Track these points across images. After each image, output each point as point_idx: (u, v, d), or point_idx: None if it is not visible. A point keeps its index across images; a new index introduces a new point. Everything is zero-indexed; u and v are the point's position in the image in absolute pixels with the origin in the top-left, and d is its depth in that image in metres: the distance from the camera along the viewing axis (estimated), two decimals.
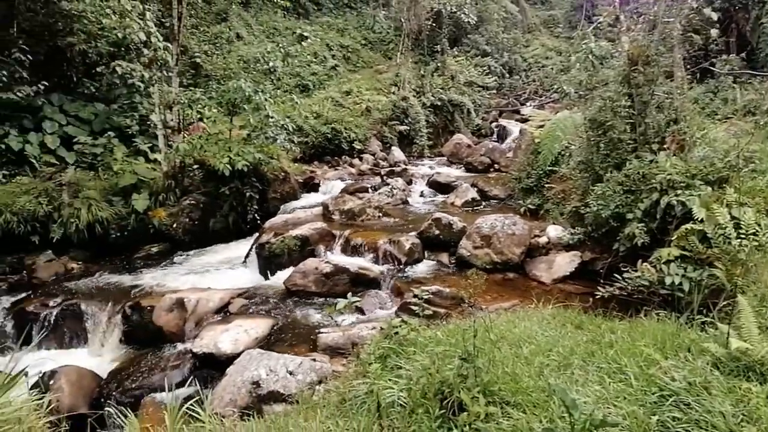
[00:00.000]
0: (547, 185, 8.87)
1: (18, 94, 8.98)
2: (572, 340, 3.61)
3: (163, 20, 11.88)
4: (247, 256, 8.06)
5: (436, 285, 6.17)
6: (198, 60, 14.99)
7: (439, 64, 19.18)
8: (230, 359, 4.82)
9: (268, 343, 5.40)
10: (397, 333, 3.70)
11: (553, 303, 4.78)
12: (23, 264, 7.76)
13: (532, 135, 9.88)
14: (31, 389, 3.06)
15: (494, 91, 21.26)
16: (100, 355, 6.05)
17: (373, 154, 14.80)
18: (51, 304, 6.52)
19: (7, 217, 7.71)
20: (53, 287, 7.20)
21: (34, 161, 8.80)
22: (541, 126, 10.14)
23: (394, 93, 17.15)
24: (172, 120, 9.30)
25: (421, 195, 11.31)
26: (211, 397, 3.99)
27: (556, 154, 8.98)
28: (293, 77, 17.16)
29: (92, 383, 5.22)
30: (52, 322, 6.29)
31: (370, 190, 10.61)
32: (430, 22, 19.36)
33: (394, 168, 13.21)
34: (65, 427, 3.48)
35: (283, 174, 10.18)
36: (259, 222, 9.08)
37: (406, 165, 13.96)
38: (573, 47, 23.90)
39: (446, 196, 10.83)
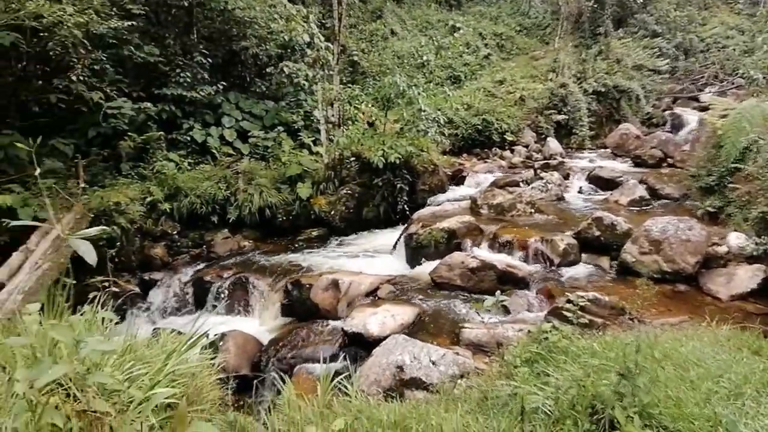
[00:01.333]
0: (729, 185, 7.59)
1: (200, 93, 10.27)
2: (747, 366, 3.15)
3: (323, 21, 12.70)
4: (395, 244, 8.28)
5: (593, 291, 5.65)
6: (355, 58, 15.77)
7: (602, 47, 17.58)
8: (376, 341, 5.02)
9: (412, 330, 5.46)
10: (546, 338, 3.49)
11: (729, 323, 4.22)
12: (204, 240, 8.92)
13: (714, 126, 8.46)
14: (203, 349, 3.44)
15: (667, 76, 18.79)
16: (262, 323, 6.70)
17: (526, 146, 14.12)
18: (224, 275, 7.38)
19: (192, 199, 8.92)
20: (227, 261, 8.17)
21: (215, 152, 10.08)
22: (724, 115, 8.64)
23: (551, 80, 16.14)
24: (332, 115, 9.92)
25: (580, 191, 10.48)
26: (357, 375, 4.19)
27: (742, 149, 7.61)
28: (445, 69, 17.14)
29: (254, 348, 5.78)
30: (224, 291, 7.12)
31: (521, 184, 10.12)
32: (591, 3, 17.78)
33: (549, 161, 12.41)
34: (232, 385, 3.93)
35: (432, 166, 10.25)
36: (408, 213, 9.28)
37: (562, 157, 13.03)
38: (757, 25, 20.07)
39: (609, 193, 9.88)
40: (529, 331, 4.04)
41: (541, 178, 10.23)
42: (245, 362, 5.55)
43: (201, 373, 3.26)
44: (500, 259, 6.81)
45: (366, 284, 6.56)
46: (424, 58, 10.91)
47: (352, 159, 9.71)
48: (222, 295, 7.12)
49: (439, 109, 10.02)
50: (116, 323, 3.29)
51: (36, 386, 1.75)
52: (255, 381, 5.13)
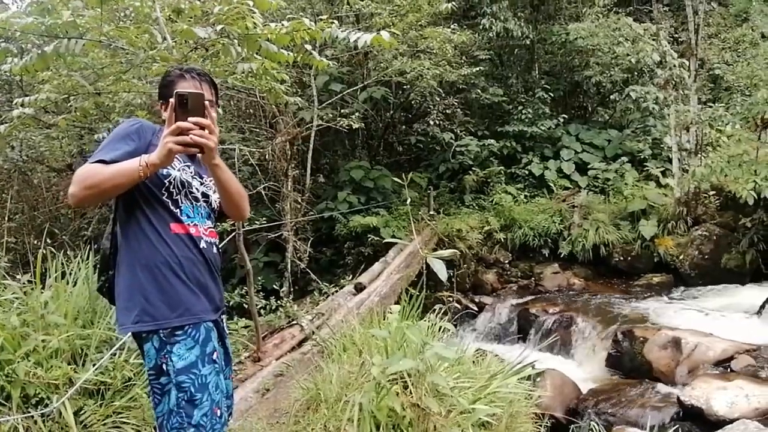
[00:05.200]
0: None
1: (541, 127, 10.49)
2: None
3: (676, 36, 11.25)
4: (763, 305, 6.51)
5: None
6: (717, 71, 13.34)
7: None
8: (720, 423, 4.20)
9: None
10: None
11: None
12: (533, 272, 9.03)
13: None
14: (521, 379, 3.47)
15: None
16: (582, 369, 6.27)
17: None
18: (550, 311, 7.24)
19: (526, 231, 9.18)
20: (555, 296, 8.02)
21: (551, 184, 10.15)
22: None
23: None
24: (687, 141, 8.65)
25: None
26: None
27: None
28: None
29: (572, 393, 5.44)
30: (548, 327, 6.98)
31: None
32: None
33: None
34: (546, 423, 3.82)
35: None
36: None
37: None
38: None
39: None
40: None
41: None
42: (559, 404, 5.29)
43: (518, 402, 3.30)
44: None
45: (716, 350, 5.41)
46: None
47: (712, 193, 8.20)
48: (545, 331, 6.99)
49: None
50: (450, 334, 3.69)
51: (386, 373, 2.10)
52: (572, 426, 4.86)
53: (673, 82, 8.44)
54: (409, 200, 2.92)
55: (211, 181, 1.88)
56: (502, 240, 9.23)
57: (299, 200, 8.13)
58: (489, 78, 11.17)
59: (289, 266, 7.57)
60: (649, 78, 9.16)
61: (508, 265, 9.36)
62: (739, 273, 7.73)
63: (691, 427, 4.46)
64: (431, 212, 9.31)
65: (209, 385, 1.72)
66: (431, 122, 9.72)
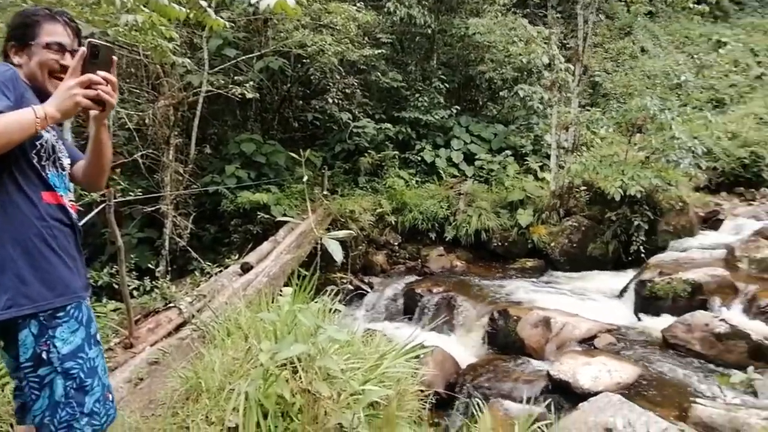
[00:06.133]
0: None
1: (435, 116, 10.83)
2: None
3: (565, 42, 12.18)
4: (623, 290, 7.34)
5: None
6: (597, 78, 14.75)
7: None
8: (585, 395, 4.52)
9: (629, 392, 4.72)
10: None
11: None
12: (420, 254, 9.35)
13: None
14: (407, 358, 3.51)
15: None
16: (462, 345, 6.59)
17: None
18: (434, 291, 7.55)
19: (415, 215, 9.46)
20: (439, 277, 8.36)
21: (441, 172, 10.52)
22: None
23: None
24: (566, 140, 9.42)
25: None
26: (555, 426, 3.83)
27: None
28: (705, 91, 14.74)
29: (452, 368, 5.70)
30: (432, 306, 7.27)
31: None
32: None
33: None
34: (431, 399, 3.94)
35: (680, 204, 8.79)
36: (642, 255, 8.13)
37: None
38: None
39: None
40: None
41: None
42: (440, 380, 5.52)
43: (405, 380, 3.35)
44: (757, 329, 5.46)
45: (582, 329, 5.95)
46: (681, 78, 9.55)
47: (583, 188, 9.01)
48: (429, 310, 7.27)
49: (695, 137, 8.60)
50: (341, 316, 3.63)
51: (276, 359, 1.96)
52: (451, 401, 5.10)
53: (558, 85, 9.10)
54: (306, 178, 2.78)
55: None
56: (393, 223, 9.41)
57: (181, 172, 7.56)
58: (389, 62, 11.21)
59: (167, 243, 7.08)
60: (536, 79, 9.77)
61: (397, 247, 9.58)
62: (602, 260, 8.64)
63: (560, 399, 4.81)
64: (325, 192, 9.17)
65: (98, 368, 1.57)
66: (330, 100, 9.52)
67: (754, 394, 4.66)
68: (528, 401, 4.77)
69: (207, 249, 8.26)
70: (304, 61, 9.25)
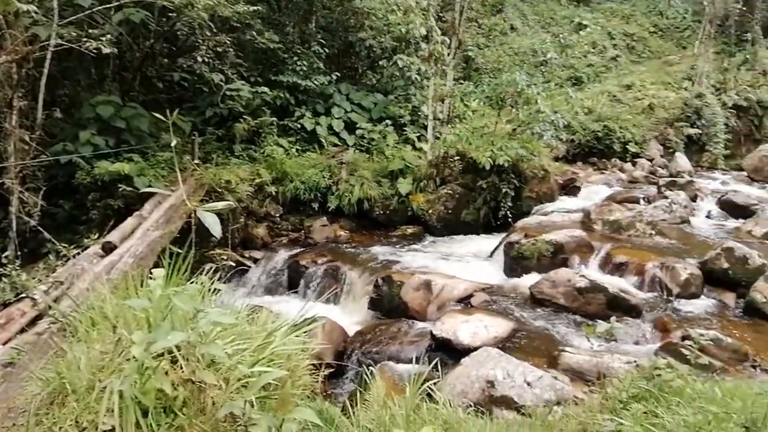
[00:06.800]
0: None
1: (314, 82, 10.44)
2: None
3: (441, 15, 12.48)
4: (493, 251, 7.91)
5: (713, 330, 5.13)
6: (471, 53, 15.43)
7: (747, 57, 15.75)
8: (465, 351, 4.81)
9: (505, 345, 5.15)
10: (659, 376, 3.13)
11: None
12: (303, 225, 9.18)
13: None
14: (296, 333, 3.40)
15: None
16: (349, 314, 6.68)
17: (651, 160, 13.01)
18: (319, 261, 7.51)
19: (297, 185, 9.17)
20: (323, 248, 8.30)
21: (322, 140, 10.30)
22: None
23: (686, 89, 14.74)
24: (441, 112, 9.73)
25: (708, 216, 9.45)
26: (442, 382, 4.02)
27: None
28: (566, 69, 16.23)
29: (340, 337, 5.76)
30: (317, 277, 7.23)
31: (642, 201, 9.26)
32: (739, 5, 15.91)
33: (675, 178, 11.30)
34: (324, 372, 3.89)
35: (542, 173, 9.69)
36: (510, 219, 8.85)
37: (691, 176, 11.86)
38: None
39: (741, 221, 8.81)
40: (637, 365, 3.79)
41: (666, 197, 9.24)
42: (330, 351, 5.54)
43: (296, 356, 3.25)
44: (612, 282, 6.25)
45: (459, 289, 6.32)
46: (548, 56, 10.35)
47: (457, 158, 9.45)
48: (315, 281, 7.22)
49: (556, 112, 9.45)
50: (222, 295, 3.38)
51: (152, 351, 1.73)
52: (349, 371, 5.13)
53: (435, 57, 9.31)
54: (174, 143, 2.48)
55: None
56: (273, 193, 9.03)
57: (27, 139, 6.56)
58: (266, 22, 10.55)
59: (14, 224, 6.25)
60: (414, 50, 9.88)
61: (279, 219, 9.27)
62: (474, 225, 9.24)
63: (443, 357, 5.03)
64: (196, 161, 8.46)
65: None
66: (199, 59, 8.68)
67: (615, 341, 5.35)
68: (416, 361, 4.97)
69: (62, 228, 7.28)
70: (170, 14, 8.30)
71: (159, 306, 2.08)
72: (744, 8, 16.05)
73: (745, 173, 12.54)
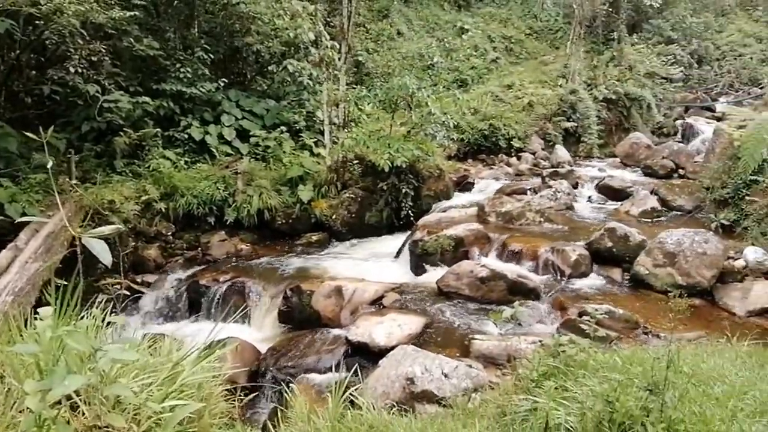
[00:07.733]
0: (747, 198, 7.58)
1: (200, 89, 9.88)
2: None
3: (329, 20, 12.47)
4: (399, 251, 8.07)
5: (606, 304, 5.65)
6: (360, 58, 15.57)
7: (614, 54, 17.60)
8: (383, 351, 4.85)
9: (419, 341, 5.28)
10: (563, 352, 3.36)
11: (749, 339, 4.21)
12: (199, 242, 8.63)
13: (731, 137, 8.44)
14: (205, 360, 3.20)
15: (680, 84, 18.89)
16: (259, 331, 6.45)
17: (534, 153, 14.01)
18: (221, 279, 7.14)
19: (189, 199, 8.61)
20: (224, 265, 7.90)
21: (213, 150, 9.76)
22: (742, 126, 8.64)
23: (561, 86, 16.04)
24: (337, 117, 9.72)
25: (589, 200, 10.37)
26: (363, 387, 4.01)
27: (761, 161, 7.64)
28: (452, 72, 16.95)
29: (252, 356, 5.55)
30: (220, 296, 6.87)
31: (529, 192, 9.99)
32: (605, 7, 17.78)
33: (557, 169, 12.31)
34: (240, 396, 3.69)
35: (438, 171, 10.07)
36: (412, 218, 9.08)
37: (570, 166, 12.94)
38: None
39: (619, 203, 9.82)
40: (542, 344, 3.97)
41: (550, 186, 10.06)
42: (243, 373, 5.30)
43: (207, 383, 3.05)
44: (510, 269, 6.66)
45: (370, 292, 6.36)
46: (435, 59, 10.75)
47: (356, 162, 9.49)
48: (218, 301, 6.85)
49: (446, 113, 9.86)
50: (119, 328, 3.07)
51: (49, 399, 1.51)
52: (258, 391, 4.90)
53: (326, 62, 9.28)
54: (50, 164, 2.22)
55: None
56: (163, 210, 8.39)
57: None
58: (144, 28, 9.81)
59: None
60: (304, 55, 9.75)
61: (171, 237, 8.63)
62: (378, 227, 9.36)
63: (361, 361, 5.04)
64: (74, 181, 7.61)
65: None
66: (72, 69, 7.84)
67: (520, 324, 5.68)
68: (334, 369, 4.91)
69: None
70: (37, 22, 7.43)
71: (50, 348, 1.83)
72: (610, 9, 17.91)
73: (618, 159, 13.89)
